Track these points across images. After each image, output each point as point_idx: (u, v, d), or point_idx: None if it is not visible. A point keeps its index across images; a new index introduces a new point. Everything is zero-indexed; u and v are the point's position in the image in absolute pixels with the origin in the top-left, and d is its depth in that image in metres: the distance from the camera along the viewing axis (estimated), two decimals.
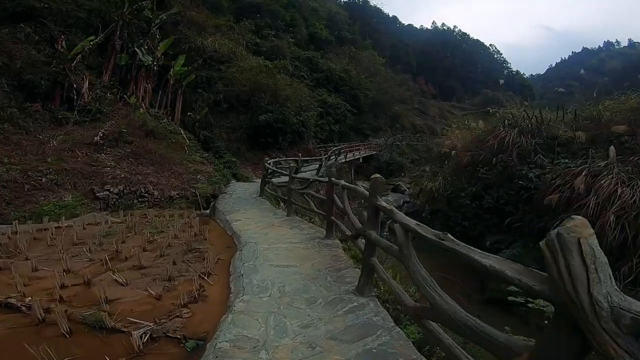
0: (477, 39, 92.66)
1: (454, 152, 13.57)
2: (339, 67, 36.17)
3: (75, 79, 14.58)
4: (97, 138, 12.01)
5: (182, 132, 16.32)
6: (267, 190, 10.12)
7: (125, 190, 9.92)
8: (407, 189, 22.70)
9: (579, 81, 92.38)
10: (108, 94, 16.27)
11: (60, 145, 11.46)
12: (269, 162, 11.14)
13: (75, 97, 14.22)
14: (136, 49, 17.97)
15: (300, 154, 15.30)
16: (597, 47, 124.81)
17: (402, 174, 27.83)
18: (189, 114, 17.78)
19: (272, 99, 18.50)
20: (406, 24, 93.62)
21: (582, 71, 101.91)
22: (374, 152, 29.77)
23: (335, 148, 19.52)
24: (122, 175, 10.48)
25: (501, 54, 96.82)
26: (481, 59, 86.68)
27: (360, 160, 26.30)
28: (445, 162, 17.73)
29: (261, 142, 17.79)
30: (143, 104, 17.29)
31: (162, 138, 14.46)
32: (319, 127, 24.74)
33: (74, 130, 12.87)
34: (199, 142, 16.76)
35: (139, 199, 9.97)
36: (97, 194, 9.56)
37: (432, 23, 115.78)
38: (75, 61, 15.34)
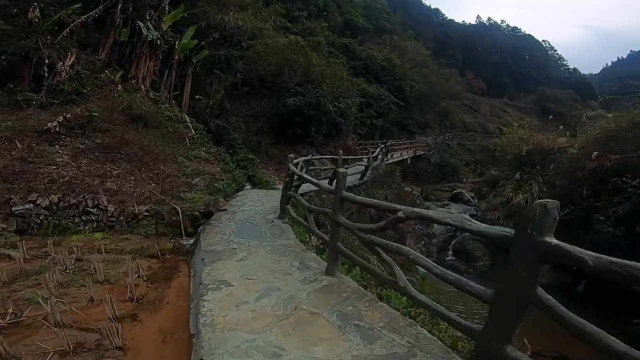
0: (528, 34, 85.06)
1: (594, 153, 8.70)
2: (381, 55, 31.61)
3: (49, 54, 11.23)
4: (52, 124, 8.37)
5: (188, 119, 12.60)
6: (291, 211, 5.85)
7: (61, 203, 6.08)
8: (471, 198, 17.96)
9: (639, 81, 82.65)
10: (102, 74, 12.94)
11: None
12: (295, 160, 6.91)
13: (46, 74, 10.88)
14: (139, 23, 14.54)
15: (340, 151, 11.05)
16: None
17: (462, 178, 22.93)
18: (197, 97, 14.03)
19: (303, 79, 14.31)
20: (447, 18, 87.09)
21: None
22: (422, 152, 24.98)
23: (383, 145, 15.08)
24: (67, 179, 6.67)
25: (555, 50, 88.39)
26: (534, 55, 79.05)
27: (409, 161, 21.65)
28: (543, 166, 12.90)
29: (288, 135, 13.59)
30: (143, 86, 13.78)
31: (154, 126, 10.73)
32: (359, 120, 20.34)
33: (32, 115, 9.35)
34: (210, 133, 13.00)
35: (82, 217, 6.09)
36: (14, 208, 5.78)
37: (477, 17, 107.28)
38: (60, 36, 12.23)
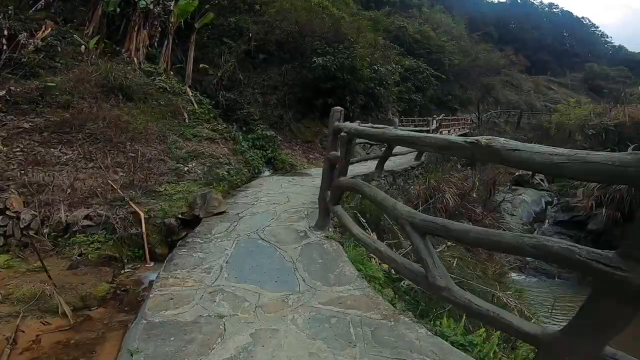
0: (567, 11, 79.47)
1: None
2: (412, 28, 28.08)
3: (10, 26, 8.94)
4: None
5: (190, 92, 10.08)
6: (345, 217, 2.86)
7: None
8: (541, 182, 14.80)
9: None
10: (85, 46, 10.60)
11: None
12: (353, 122, 3.98)
13: (4, 47, 8.59)
14: None
15: (396, 119, 8.01)
16: None
17: None
18: (201, 66, 11.42)
19: (331, 36, 11.26)
20: None
21: None
22: (467, 130, 21.81)
23: (437, 119, 11.94)
24: None
25: (597, 27, 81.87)
26: (575, 31, 73.54)
27: None
28: None
29: (317, 106, 10.49)
30: (136, 58, 11.33)
31: (141, 99, 8.16)
32: (396, 95, 17.21)
33: None
34: (218, 108, 10.48)
35: None
36: None
37: None
38: (33, 8, 10.04)
